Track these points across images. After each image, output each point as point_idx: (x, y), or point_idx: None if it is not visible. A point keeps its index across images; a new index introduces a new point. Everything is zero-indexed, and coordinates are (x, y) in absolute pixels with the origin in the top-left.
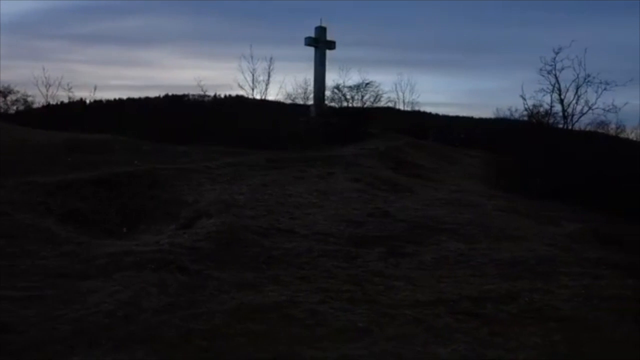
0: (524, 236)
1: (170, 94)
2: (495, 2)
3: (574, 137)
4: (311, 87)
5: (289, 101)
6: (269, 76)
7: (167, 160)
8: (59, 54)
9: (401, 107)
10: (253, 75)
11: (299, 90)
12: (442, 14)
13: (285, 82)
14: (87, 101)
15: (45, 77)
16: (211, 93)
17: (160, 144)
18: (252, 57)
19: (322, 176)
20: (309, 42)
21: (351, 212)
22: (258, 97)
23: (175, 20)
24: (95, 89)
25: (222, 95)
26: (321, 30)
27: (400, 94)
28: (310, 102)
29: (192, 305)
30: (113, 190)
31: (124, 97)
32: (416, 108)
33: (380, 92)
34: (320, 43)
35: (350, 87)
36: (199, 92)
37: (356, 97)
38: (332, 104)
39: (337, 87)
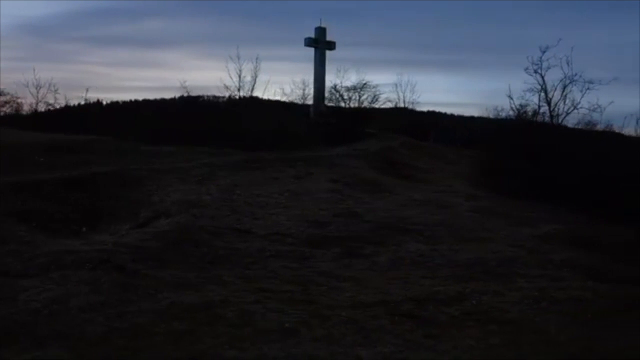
0: (492, 237)
1: (185, 94)
2: (504, 2)
3: (561, 136)
4: (309, 88)
5: (301, 101)
6: (255, 76)
7: (146, 160)
8: (76, 56)
9: (407, 108)
10: (240, 75)
11: (297, 91)
12: (447, 14)
13: (286, 82)
14: (104, 102)
15: (36, 79)
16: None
17: (146, 144)
18: (238, 58)
19: (300, 176)
20: (309, 42)
21: (318, 213)
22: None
23: (191, 22)
24: (86, 90)
25: (237, 96)
26: (321, 31)
27: (401, 94)
28: (308, 102)
29: (121, 304)
30: (81, 191)
31: (140, 98)
32: (422, 108)
33: (377, 93)
34: (320, 43)
35: (347, 87)
36: (184, 93)
37: (353, 97)
38: (330, 104)
39: (335, 87)
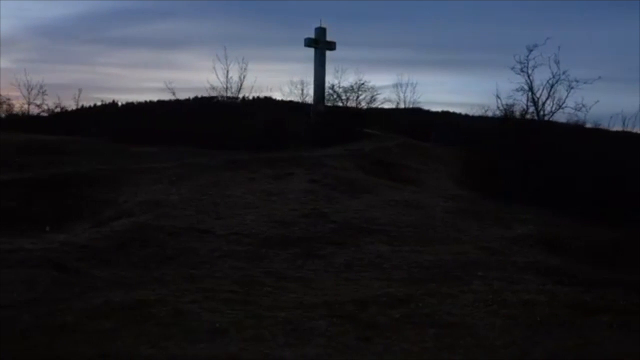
0: (460, 239)
1: (199, 95)
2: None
3: (549, 136)
4: (307, 88)
5: (300, 101)
6: (243, 76)
7: (126, 161)
8: (91, 57)
9: (410, 108)
10: (227, 75)
11: (296, 92)
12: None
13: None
14: (119, 103)
15: (27, 80)
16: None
17: (124, 144)
18: (226, 58)
19: (278, 177)
20: (309, 43)
21: (286, 213)
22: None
23: (207, 23)
24: (79, 92)
25: (251, 97)
26: (321, 31)
27: (402, 94)
28: (308, 102)
29: (53, 302)
30: (51, 191)
31: (155, 99)
32: (425, 108)
33: (375, 93)
34: (320, 44)
35: (344, 88)
36: (171, 94)
37: (351, 97)
38: (328, 104)
39: (332, 87)
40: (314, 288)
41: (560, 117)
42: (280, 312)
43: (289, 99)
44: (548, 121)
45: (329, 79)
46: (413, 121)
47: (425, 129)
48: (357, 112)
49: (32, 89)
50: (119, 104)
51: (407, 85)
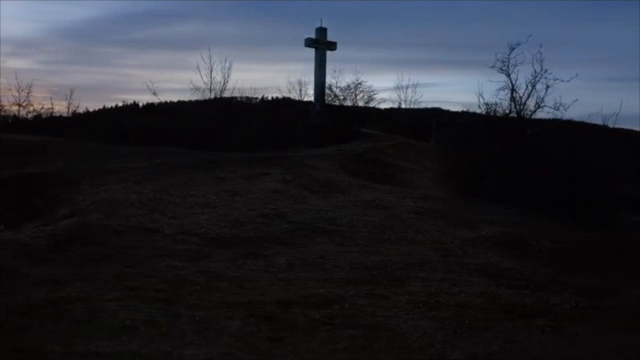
0: (417, 240)
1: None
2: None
3: (527, 136)
4: (305, 87)
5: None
6: (227, 77)
7: (96, 161)
8: (113, 59)
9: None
10: (211, 75)
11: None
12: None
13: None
14: (140, 104)
15: (18, 81)
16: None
17: (106, 144)
18: (210, 58)
19: (252, 177)
20: (309, 43)
21: (244, 213)
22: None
23: (225, 24)
24: (71, 93)
25: (270, 97)
26: (321, 32)
27: (402, 94)
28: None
29: None
30: (12, 190)
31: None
32: (428, 108)
33: (373, 93)
34: (321, 44)
35: (341, 88)
36: (152, 96)
37: (349, 97)
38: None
39: (330, 87)
40: (245, 288)
41: (541, 116)
42: (199, 311)
43: (305, 99)
44: (529, 120)
45: (328, 79)
46: (416, 121)
47: (427, 128)
48: (357, 112)
49: (22, 91)
50: (140, 104)
51: (408, 84)
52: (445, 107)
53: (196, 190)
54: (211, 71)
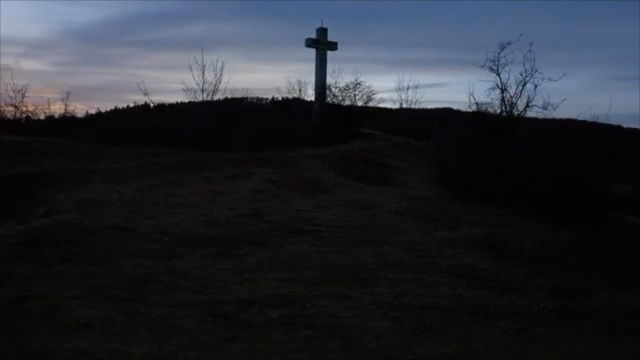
0: (392, 240)
1: (230, 97)
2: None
3: (517, 135)
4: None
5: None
6: (219, 78)
7: (85, 161)
8: (126, 60)
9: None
10: (203, 77)
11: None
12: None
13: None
14: (151, 105)
15: (8, 83)
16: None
17: (94, 145)
18: (202, 60)
19: (238, 177)
20: (309, 43)
21: (223, 213)
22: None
23: (237, 24)
24: (67, 94)
25: (280, 98)
26: (322, 32)
27: (404, 94)
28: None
29: None
30: None
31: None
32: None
33: (371, 92)
34: (321, 44)
35: (340, 88)
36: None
37: (347, 97)
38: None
39: (329, 87)
40: (209, 287)
41: (531, 115)
42: (157, 310)
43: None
44: (520, 119)
45: (327, 79)
46: (417, 121)
47: (428, 128)
48: (357, 112)
49: (17, 92)
50: (151, 105)
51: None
52: (455, 107)
53: (179, 190)
54: (203, 72)
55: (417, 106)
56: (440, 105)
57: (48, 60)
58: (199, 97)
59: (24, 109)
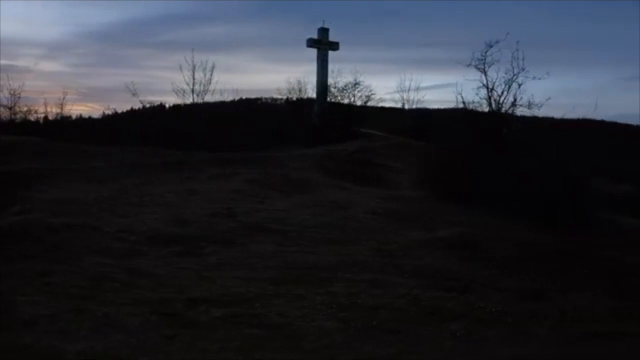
0: (361, 240)
1: (244, 97)
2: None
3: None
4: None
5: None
6: (210, 80)
7: (70, 161)
8: (141, 61)
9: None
10: (193, 78)
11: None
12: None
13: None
14: (167, 105)
15: (9, 83)
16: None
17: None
18: (193, 61)
19: (219, 177)
20: (311, 43)
21: (195, 213)
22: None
23: (251, 26)
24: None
25: (294, 98)
26: (323, 32)
27: (405, 94)
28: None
29: None
30: None
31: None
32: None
33: (371, 92)
34: (323, 44)
35: (339, 88)
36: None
37: (346, 97)
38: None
39: (328, 87)
40: (165, 286)
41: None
42: (105, 308)
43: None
44: (507, 119)
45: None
46: (417, 121)
47: (427, 128)
48: (357, 112)
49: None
50: (166, 105)
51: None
52: (455, 107)
53: (156, 189)
54: (193, 72)
55: (420, 106)
56: (445, 106)
57: (66, 61)
58: (189, 99)
59: (17, 109)
